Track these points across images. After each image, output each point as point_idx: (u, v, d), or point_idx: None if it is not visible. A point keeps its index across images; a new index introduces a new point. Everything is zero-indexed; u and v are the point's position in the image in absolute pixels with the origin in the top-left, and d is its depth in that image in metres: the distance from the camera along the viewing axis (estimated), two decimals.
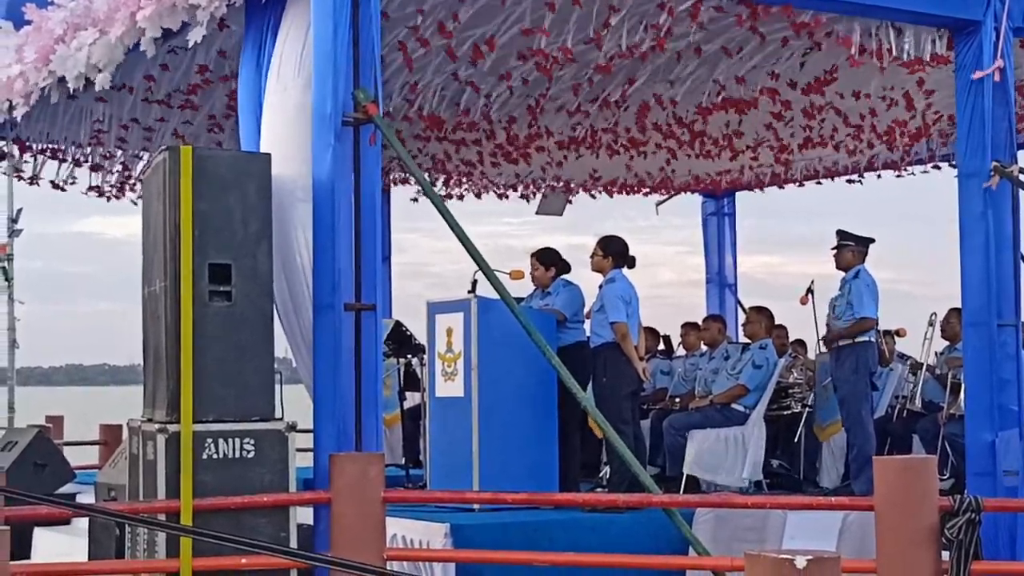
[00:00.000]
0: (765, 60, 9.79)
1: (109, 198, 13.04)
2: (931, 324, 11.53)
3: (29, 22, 9.61)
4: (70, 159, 12.35)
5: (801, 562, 3.42)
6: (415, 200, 14.73)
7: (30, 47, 9.54)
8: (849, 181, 14.95)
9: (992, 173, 8.45)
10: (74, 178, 12.57)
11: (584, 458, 10.71)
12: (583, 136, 12.52)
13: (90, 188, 12.76)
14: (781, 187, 15.75)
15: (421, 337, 10.55)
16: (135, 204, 12.42)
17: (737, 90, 10.60)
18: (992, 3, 8.54)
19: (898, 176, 14.66)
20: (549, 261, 10.39)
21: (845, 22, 8.61)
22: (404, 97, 10.66)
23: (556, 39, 8.75)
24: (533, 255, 10.48)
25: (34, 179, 12.43)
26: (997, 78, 8.45)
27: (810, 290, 11.70)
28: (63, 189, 12.52)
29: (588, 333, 10.19)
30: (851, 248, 10.60)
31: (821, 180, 15.21)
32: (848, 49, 8.58)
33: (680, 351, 13.56)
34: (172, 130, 11.66)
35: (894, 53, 8.62)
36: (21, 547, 9.49)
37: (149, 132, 11.74)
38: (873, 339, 10.39)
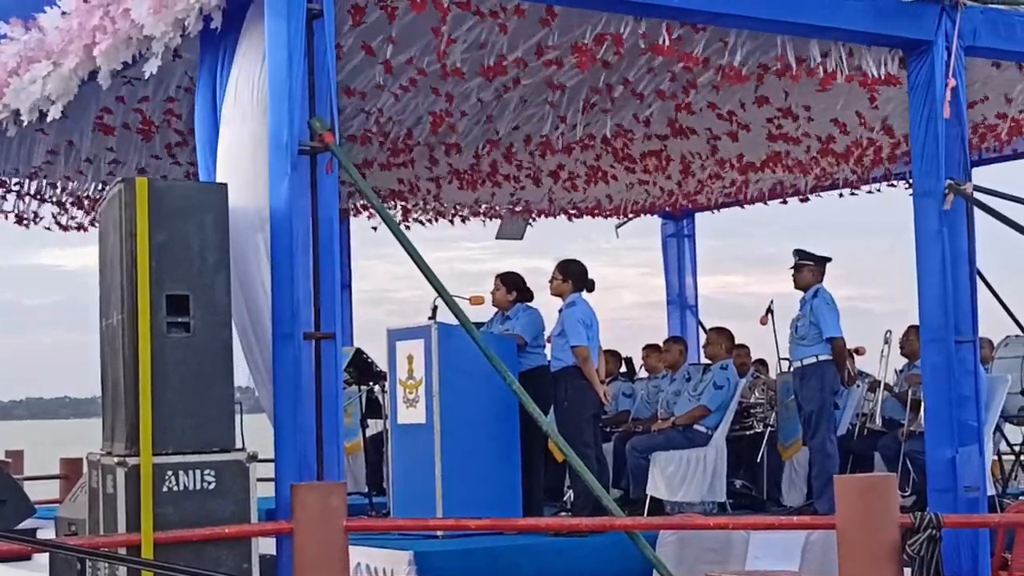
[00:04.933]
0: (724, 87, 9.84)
1: (66, 228, 12.99)
2: (887, 342, 11.58)
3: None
4: (25, 191, 12.30)
5: None
6: (375, 229, 14.68)
7: None
8: (803, 200, 14.96)
9: (947, 191, 8.51)
10: (35, 212, 12.54)
11: (548, 482, 10.71)
12: (542, 166, 12.56)
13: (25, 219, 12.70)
14: (741, 207, 15.78)
15: (383, 364, 10.53)
16: (94, 229, 12.35)
17: (694, 114, 10.66)
18: (943, 22, 8.59)
19: (853, 194, 14.69)
20: (511, 285, 10.39)
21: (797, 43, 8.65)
22: (363, 123, 10.67)
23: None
24: (497, 276, 10.47)
25: None
26: (949, 97, 8.51)
27: (770, 310, 11.75)
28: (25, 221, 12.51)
29: (549, 357, 10.19)
30: (810, 267, 10.66)
31: (787, 200, 15.21)
32: (796, 72, 8.64)
33: (642, 373, 13.58)
34: (126, 161, 11.60)
35: (846, 73, 8.67)
36: None
37: (104, 163, 11.68)
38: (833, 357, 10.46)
